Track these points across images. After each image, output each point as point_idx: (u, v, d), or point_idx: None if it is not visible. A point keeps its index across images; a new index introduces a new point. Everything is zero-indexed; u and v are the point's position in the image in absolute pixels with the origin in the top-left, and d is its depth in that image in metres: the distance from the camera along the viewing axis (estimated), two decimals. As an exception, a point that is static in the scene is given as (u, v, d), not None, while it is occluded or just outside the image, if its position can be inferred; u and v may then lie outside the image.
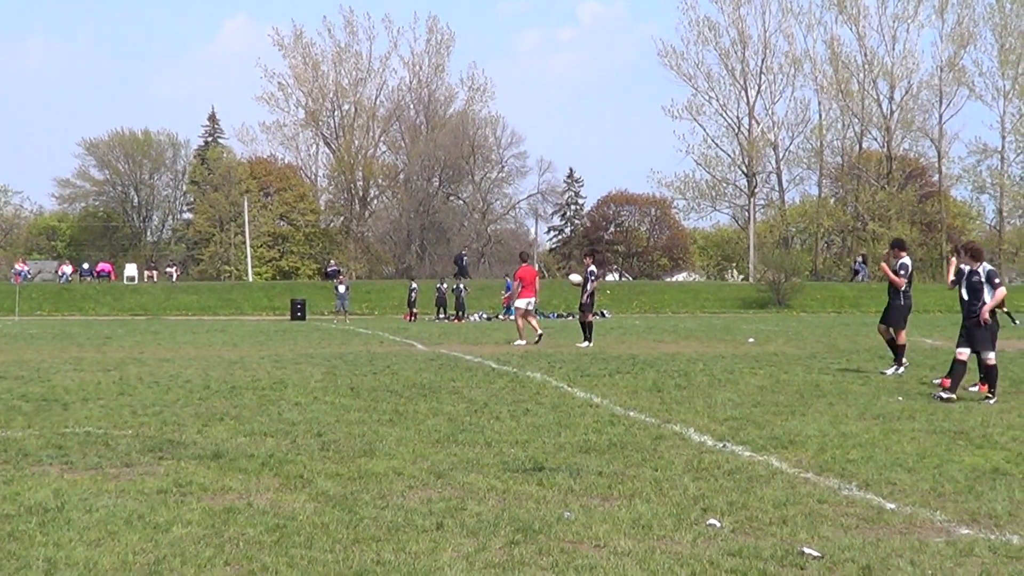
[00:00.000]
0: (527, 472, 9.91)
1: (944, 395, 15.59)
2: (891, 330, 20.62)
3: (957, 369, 16.03)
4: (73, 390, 17.00)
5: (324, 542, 7.46)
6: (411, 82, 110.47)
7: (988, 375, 15.95)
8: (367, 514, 8.25)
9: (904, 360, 20.40)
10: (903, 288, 20.48)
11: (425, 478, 9.68)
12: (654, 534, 7.72)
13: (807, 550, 7.22)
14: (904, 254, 20.83)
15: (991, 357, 15.86)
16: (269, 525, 7.90)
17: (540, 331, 30.25)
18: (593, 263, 30.23)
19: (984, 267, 16.45)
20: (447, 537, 7.59)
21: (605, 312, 61.00)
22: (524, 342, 29.75)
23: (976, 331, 16.02)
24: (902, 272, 20.47)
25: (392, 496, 8.93)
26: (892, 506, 8.61)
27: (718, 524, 7.98)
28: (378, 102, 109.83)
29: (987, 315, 16.10)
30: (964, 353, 16.00)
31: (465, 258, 76.36)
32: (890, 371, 20.04)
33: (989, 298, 16.21)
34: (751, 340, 31.14)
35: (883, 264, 21.67)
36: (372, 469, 10.04)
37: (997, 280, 16.35)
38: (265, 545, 7.39)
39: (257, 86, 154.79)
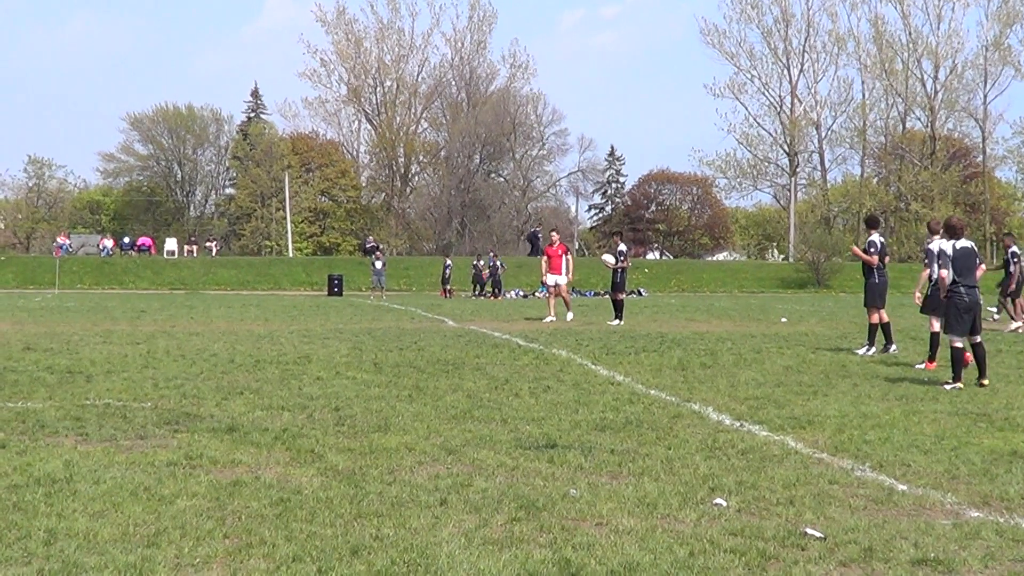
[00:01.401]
0: (539, 449, 9.87)
1: (949, 385, 15.22)
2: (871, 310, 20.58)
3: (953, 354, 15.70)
4: (99, 362, 17.10)
5: (326, 517, 7.44)
6: (453, 59, 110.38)
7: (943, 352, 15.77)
8: (373, 489, 8.23)
9: (879, 341, 20.32)
10: (876, 266, 20.39)
11: (436, 454, 9.66)
12: (658, 513, 7.66)
13: (810, 531, 7.15)
14: (874, 232, 20.76)
15: (954, 341, 15.43)
16: (274, 499, 7.90)
17: (570, 313, 30.63)
18: (622, 242, 30.28)
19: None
20: (449, 513, 7.56)
21: (642, 290, 60.96)
22: (554, 318, 29.92)
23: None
24: (871, 250, 20.40)
25: (400, 472, 8.92)
26: (903, 488, 8.52)
27: (724, 504, 7.91)
28: (420, 79, 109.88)
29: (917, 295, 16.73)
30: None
31: (539, 235, 76.10)
32: (861, 351, 19.99)
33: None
34: (784, 320, 31.00)
35: (853, 247, 21.75)
36: (384, 444, 10.04)
37: (926, 260, 16.49)
38: (267, 519, 7.38)
39: (300, 62, 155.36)
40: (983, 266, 15.69)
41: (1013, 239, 29.68)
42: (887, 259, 20.85)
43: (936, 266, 17.75)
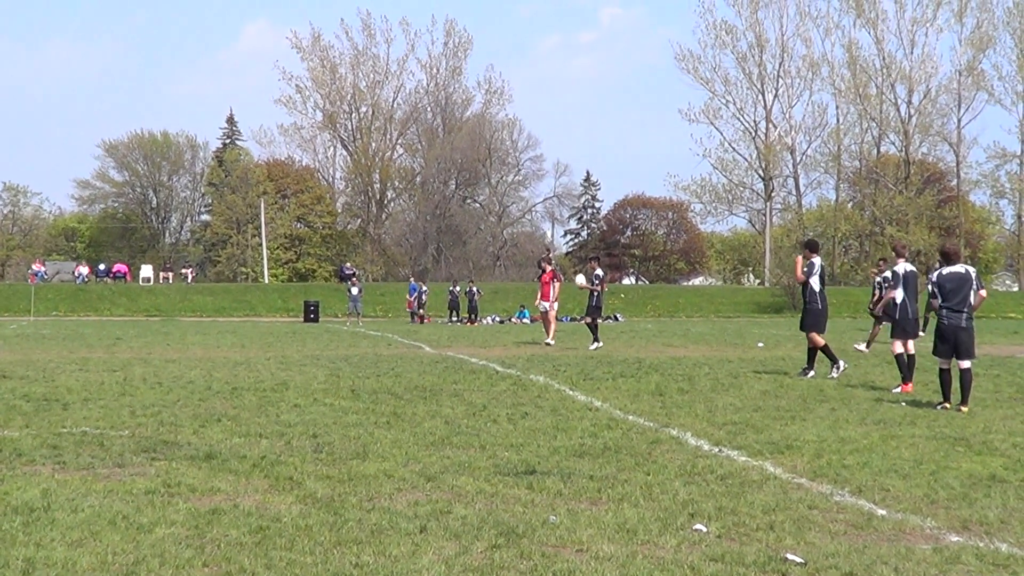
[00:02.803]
0: (518, 475, 9.86)
1: (938, 405, 15.44)
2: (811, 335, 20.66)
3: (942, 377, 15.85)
4: (75, 390, 17.00)
5: (305, 544, 7.42)
6: (428, 85, 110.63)
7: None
8: (352, 516, 8.21)
9: (812, 362, 20.55)
10: (818, 289, 20.43)
11: (415, 481, 9.64)
12: (638, 539, 7.66)
13: (790, 556, 7.16)
14: (815, 256, 20.77)
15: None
16: (253, 527, 7.87)
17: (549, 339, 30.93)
18: (599, 267, 30.50)
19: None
20: (429, 540, 7.54)
21: (618, 316, 60.99)
22: (552, 342, 30.58)
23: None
24: (806, 271, 20.50)
25: (379, 499, 8.89)
26: (883, 512, 8.54)
27: (704, 529, 7.91)
28: (395, 105, 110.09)
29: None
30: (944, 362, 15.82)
31: (554, 260, 76.39)
32: (834, 372, 20.04)
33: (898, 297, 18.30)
34: (760, 344, 31.05)
35: (797, 257, 21.85)
36: (363, 471, 10.00)
37: (891, 283, 18.22)
38: (246, 547, 7.35)
39: (275, 88, 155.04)
40: (983, 292, 15.73)
41: (887, 263, 30.59)
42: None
43: (900, 289, 18.14)
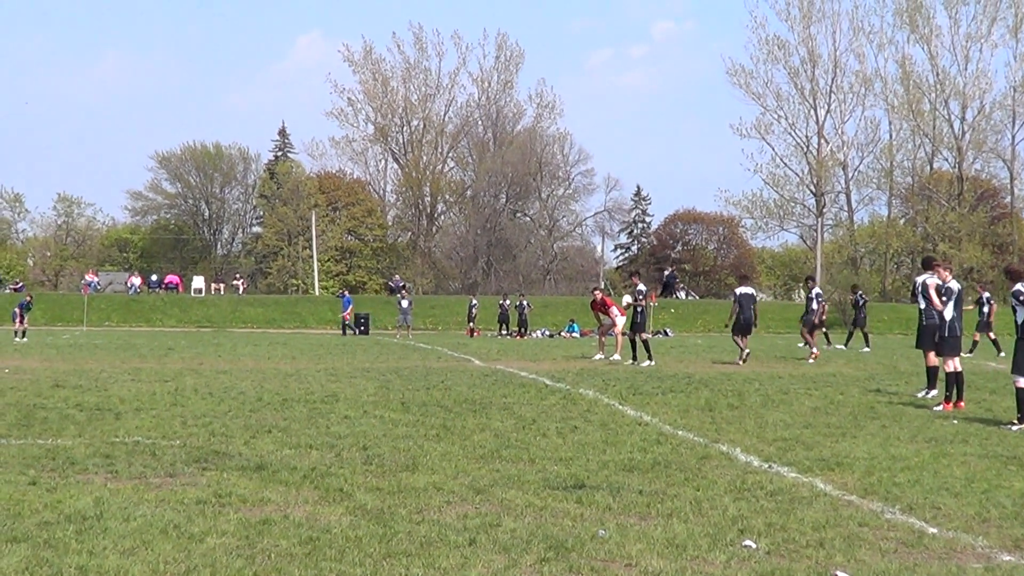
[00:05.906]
0: (567, 489, 9.87)
1: (1015, 427, 15.20)
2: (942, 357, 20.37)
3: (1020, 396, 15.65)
4: (128, 400, 17.17)
5: (355, 556, 7.45)
6: (479, 98, 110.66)
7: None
8: (402, 528, 8.24)
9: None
10: (922, 307, 20.07)
11: (464, 493, 9.67)
12: (687, 554, 7.64)
13: (840, 573, 7.13)
14: (923, 274, 20.45)
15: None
16: (303, 537, 7.92)
17: (602, 354, 31.06)
18: (640, 282, 30.61)
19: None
20: (478, 553, 7.56)
21: (668, 331, 60.83)
22: (619, 357, 30.79)
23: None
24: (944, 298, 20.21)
25: (429, 511, 8.93)
26: (934, 531, 8.49)
27: (754, 546, 7.89)
28: (446, 118, 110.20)
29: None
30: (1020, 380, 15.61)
31: (677, 277, 76.41)
32: (922, 393, 19.86)
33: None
34: (811, 360, 30.87)
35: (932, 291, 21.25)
36: (412, 484, 10.05)
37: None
38: (296, 557, 7.40)
39: (327, 101, 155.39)
40: None
41: (815, 283, 36.84)
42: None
43: (951, 305, 18.10)
